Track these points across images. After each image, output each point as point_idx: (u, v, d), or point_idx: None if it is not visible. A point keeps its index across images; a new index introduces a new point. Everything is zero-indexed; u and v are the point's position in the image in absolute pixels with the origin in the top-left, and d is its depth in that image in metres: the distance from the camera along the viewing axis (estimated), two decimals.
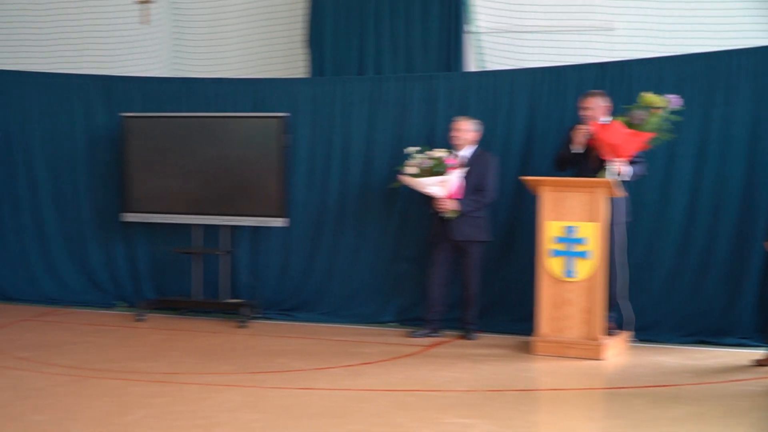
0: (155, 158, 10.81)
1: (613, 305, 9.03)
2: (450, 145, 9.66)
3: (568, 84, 9.94)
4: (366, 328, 10.24)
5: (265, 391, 7.48)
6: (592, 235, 8.66)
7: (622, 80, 9.73)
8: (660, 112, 8.76)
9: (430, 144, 9.88)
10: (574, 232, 8.69)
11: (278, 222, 10.48)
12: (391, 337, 9.76)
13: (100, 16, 12.31)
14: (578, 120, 9.22)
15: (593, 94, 9.16)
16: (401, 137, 10.42)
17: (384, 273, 10.58)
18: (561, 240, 8.74)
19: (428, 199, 9.60)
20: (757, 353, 8.51)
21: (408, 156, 9.58)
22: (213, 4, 11.99)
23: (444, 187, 9.37)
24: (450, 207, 9.40)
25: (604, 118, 9.05)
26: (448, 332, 9.78)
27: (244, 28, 11.85)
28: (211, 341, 9.54)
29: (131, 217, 10.92)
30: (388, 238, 10.53)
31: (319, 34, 11.27)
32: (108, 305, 11.29)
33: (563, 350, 8.71)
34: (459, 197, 9.44)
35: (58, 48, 12.33)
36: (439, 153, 9.44)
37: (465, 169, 9.48)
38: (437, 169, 9.36)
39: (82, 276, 11.54)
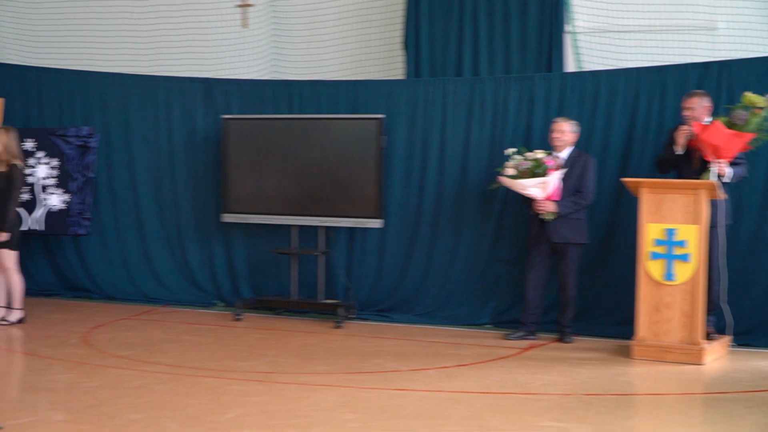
0: (254, 159, 10.92)
1: (713, 309, 8.85)
2: (548, 146, 9.57)
3: (669, 84, 9.78)
4: (462, 330, 10.20)
5: (360, 392, 7.49)
6: (692, 237, 8.50)
7: (724, 80, 9.54)
8: (762, 112, 8.57)
9: (527, 145, 9.81)
10: (675, 234, 8.54)
11: (374, 223, 10.50)
12: (486, 339, 9.71)
13: (201, 20, 12.48)
14: (679, 121, 9.06)
15: (696, 94, 8.99)
16: (498, 138, 10.36)
17: (480, 275, 10.53)
18: (661, 243, 8.59)
19: (526, 201, 9.53)
20: None
21: (507, 157, 9.52)
22: (311, 6, 12.05)
23: (544, 189, 9.29)
24: (549, 209, 9.32)
25: (707, 119, 8.87)
26: (544, 335, 9.69)
27: (341, 30, 11.89)
28: (308, 341, 9.60)
29: (230, 218, 11.05)
30: (485, 239, 10.47)
31: (416, 35, 11.26)
32: (206, 304, 11.43)
33: (662, 354, 8.56)
34: (558, 199, 9.34)
35: (159, 51, 12.53)
36: (539, 154, 9.36)
37: (564, 171, 9.38)
38: (537, 171, 9.28)
39: (182, 275, 11.71)
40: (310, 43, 12.08)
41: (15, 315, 10.10)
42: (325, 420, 6.66)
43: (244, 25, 12.29)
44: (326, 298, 10.79)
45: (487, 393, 7.49)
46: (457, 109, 10.59)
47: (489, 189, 10.05)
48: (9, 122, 11.07)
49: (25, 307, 10.29)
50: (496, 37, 10.98)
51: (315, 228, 10.78)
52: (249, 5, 12.27)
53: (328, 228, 10.81)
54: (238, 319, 10.57)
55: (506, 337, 9.66)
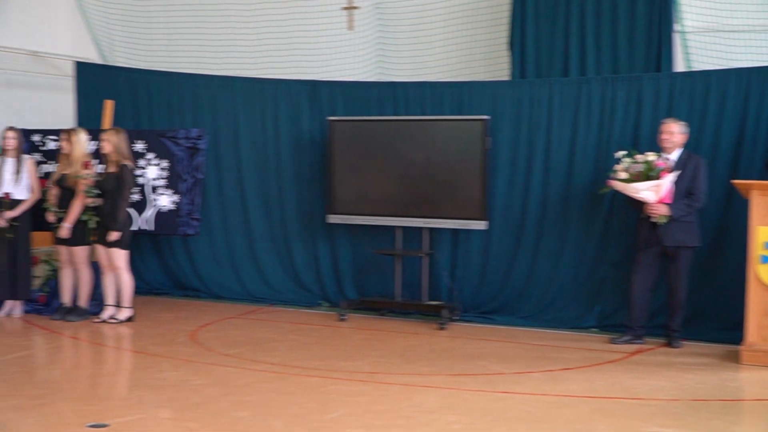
0: (358, 161, 10.97)
1: None
2: (656, 148, 9.41)
3: None
4: (567, 333, 10.09)
5: (464, 394, 7.47)
6: None
7: None
8: None
9: (635, 147, 9.67)
10: None
11: (479, 225, 10.45)
12: (592, 343, 9.59)
13: (307, 22, 12.58)
14: None
15: None
16: (605, 140, 10.22)
17: (586, 277, 10.41)
18: None
19: (635, 204, 9.38)
20: None
21: (616, 160, 9.39)
22: (416, 8, 12.06)
23: (657, 192, 9.12)
24: (662, 212, 9.15)
25: None
26: (651, 339, 9.53)
27: (446, 31, 11.87)
28: (411, 342, 9.60)
29: (335, 219, 11.11)
30: (591, 241, 10.35)
31: (522, 36, 11.19)
32: (311, 304, 11.52)
33: None
34: (670, 202, 9.17)
35: (266, 53, 12.67)
36: (650, 157, 9.20)
37: (677, 173, 9.20)
38: (650, 174, 9.13)
39: (287, 275, 11.82)
40: (415, 44, 12.08)
41: (124, 313, 10.31)
42: (428, 421, 6.65)
43: (350, 27, 12.36)
44: (430, 300, 10.79)
45: (593, 397, 7.41)
46: (563, 110, 10.48)
47: (598, 192, 9.92)
48: (119, 124, 11.30)
49: (134, 306, 10.50)
50: (604, 37, 10.85)
51: (419, 229, 10.78)
52: (355, 7, 12.33)
53: (432, 229, 10.80)
54: (342, 320, 10.63)
55: (612, 341, 9.54)
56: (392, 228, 10.94)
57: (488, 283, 10.85)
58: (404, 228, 10.88)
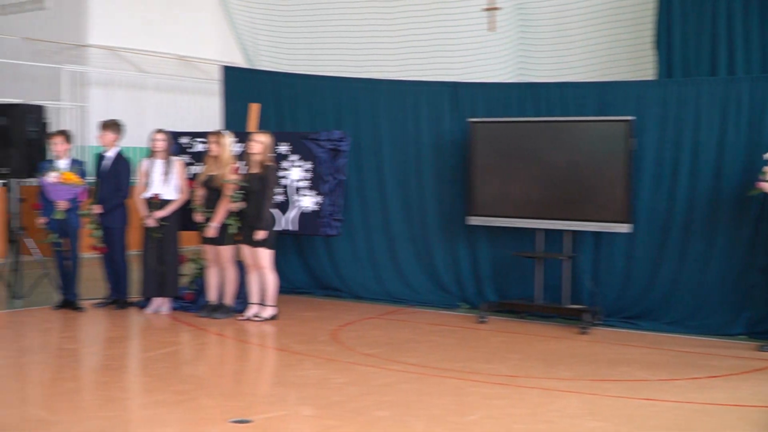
0: (499, 162, 10.91)
1: None
2: None
3: None
4: (713, 340, 9.82)
5: (606, 400, 7.35)
6: None
7: None
8: None
9: None
10: None
11: (622, 228, 10.26)
12: (740, 350, 9.32)
13: (448, 24, 12.59)
14: None
15: None
16: (755, 141, 9.91)
17: (734, 283, 10.11)
18: None
19: None
20: None
21: (766, 162, 9.11)
22: (558, 8, 11.95)
23: None
24: None
25: None
26: None
27: (589, 31, 11.73)
28: (552, 346, 9.51)
29: (475, 221, 11.07)
30: (739, 246, 10.05)
31: (668, 34, 10.97)
32: (451, 306, 11.51)
33: None
34: None
35: (407, 55, 12.71)
36: None
37: None
38: None
39: (427, 277, 11.84)
40: (557, 44, 11.98)
41: (268, 311, 10.49)
42: (568, 427, 6.58)
43: (491, 28, 12.30)
44: (571, 303, 10.65)
45: (740, 406, 7.20)
46: (711, 111, 10.20)
47: (747, 195, 9.64)
48: (263, 126, 11.52)
49: (278, 305, 10.66)
50: (753, 35, 10.55)
51: (560, 232, 10.65)
52: (497, 8, 12.27)
53: (574, 232, 10.66)
54: (482, 322, 10.59)
55: (761, 349, 9.25)
56: (533, 230, 10.83)
57: (632, 288, 10.64)
58: (545, 230, 10.76)
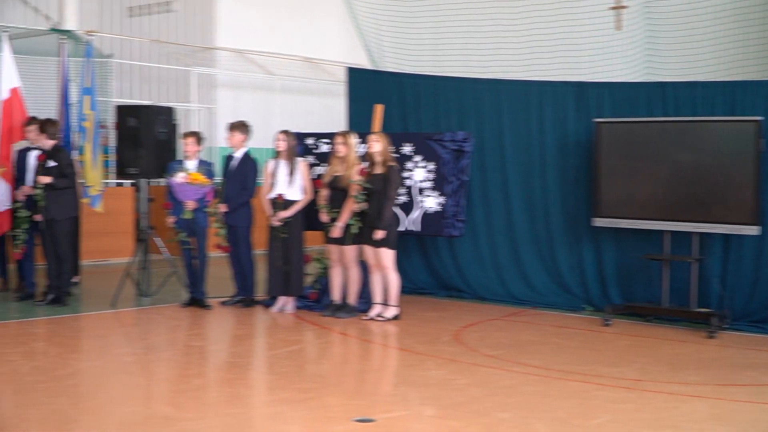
0: (625, 163, 10.76)
1: None
2: None
3: None
4: None
5: (732, 404, 7.21)
6: None
7: None
8: None
9: None
10: None
11: (751, 230, 10.02)
12: None
13: (573, 23, 12.47)
14: None
15: None
16: None
17: None
18: None
19: None
20: None
21: None
22: (686, 7, 11.73)
23: None
24: None
25: None
26: None
27: (717, 29, 11.48)
28: (678, 350, 9.35)
29: (600, 222, 10.94)
30: None
31: None
32: (575, 308, 11.40)
33: None
34: None
35: (532, 56, 12.64)
36: None
37: None
38: None
39: (550, 278, 11.75)
40: (685, 43, 11.76)
41: (391, 311, 10.55)
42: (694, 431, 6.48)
43: (618, 27, 12.14)
44: (699, 307, 10.45)
45: None
46: None
47: None
48: (388, 127, 11.59)
49: (400, 305, 10.72)
50: None
51: (688, 234, 10.45)
52: (623, 7, 12.10)
53: (702, 234, 10.44)
54: (606, 324, 10.47)
55: None
56: (660, 232, 10.66)
57: (761, 291, 10.37)
58: (672, 232, 10.57)
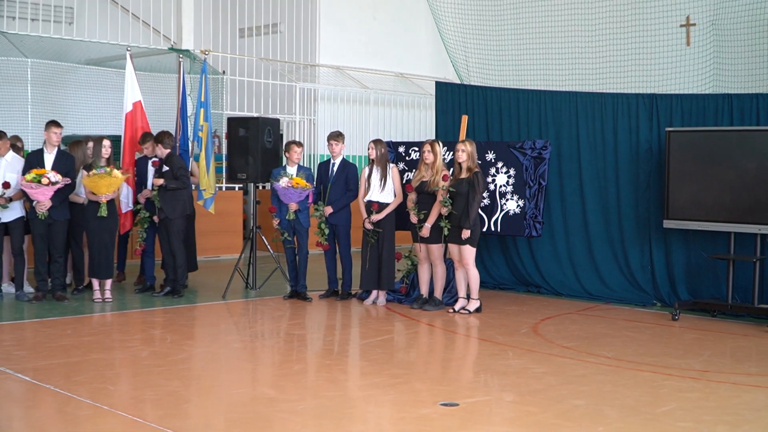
0: (694, 169, 10.60)
1: None
2: None
3: None
4: None
5: None
6: None
7: None
8: None
9: None
10: None
11: None
12: None
13: (646, 39, 12.35)
14: None
15: None
16: None
17: None
18: None
19: None
20: None
21: None
22: (749, 24, 11.52)
23: None
24: None
25: None
26: None
27: None
28: (741, 344, 9.19)
29: (670, 224, 10.80)
30: None
31: None
32: (645, 304, 11.27)
33: None
34: None
35: (606, 69, 12.54)
36: None
37: None
38: None
39: (623, 276, 11.62)
40: (749, 57, 11.55)
41: (473, 305, 10.56)
42: (754, 419, 6.39)
43: (688, 43, 11.98)
44: (761, 303, 10.25)
45: None
46: None
47: None
48: (472, 137, 11.62)
49: (482, 299, 10.72)
50: None
51: (752, 235, 10.26)
52: (692, 24, 11.94)
53: (764, 235, 10.24)
54: (675, 319, 10.32)
55: None
56: (725, 233, 10.48)
57: None
58: (737, 234, 10.39)
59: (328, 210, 11.21)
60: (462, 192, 10.36)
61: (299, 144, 11.49)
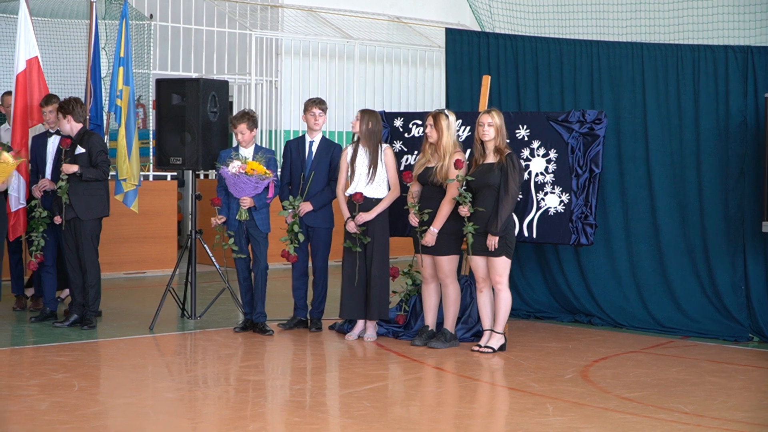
0: None
1: None
2: None
3: None
4: None
5: None
6: None
7: None
8: None
9: None
10: None
11: None
12: None
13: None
14: None
15: None
16: None
17: None
18: None
19: None
20: None
21: None
22: None
23: None
24: None
25: None
26: None
27: None
28: None
29: None
30: None
31: None
32: (737, 338, 11.28)
33: None
34: None
35: (682, 13, 12.59)
36: None
37: None
38: None
39: (707, 300, 11.63)
40: None
41: (497, 340, 10.49)
42: None
43: None
44: None
45: None
46: None
47: None
48: (497, 105, 11.57)
49: (511, 331, 10.76)
50: None
51: None
52: None
53: None
54: None
55: None
56: None
57: None
58: None
59: (306, 207, 11.18)
60: (490, 183, 10.27)
61: (246, 118, 11.36)
